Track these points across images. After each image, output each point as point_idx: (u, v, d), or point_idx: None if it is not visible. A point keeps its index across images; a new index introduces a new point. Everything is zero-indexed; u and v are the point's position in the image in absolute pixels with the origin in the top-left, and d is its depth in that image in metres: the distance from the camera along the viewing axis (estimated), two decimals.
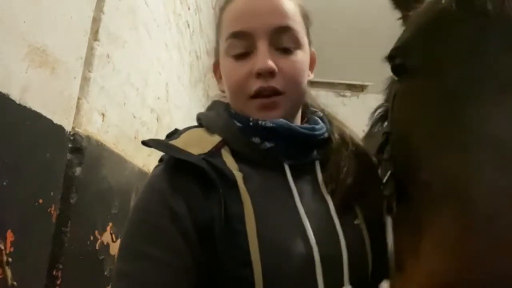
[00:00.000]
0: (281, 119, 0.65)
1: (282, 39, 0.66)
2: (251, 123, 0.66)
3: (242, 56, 0.66)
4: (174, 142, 0.64)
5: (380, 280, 0.62)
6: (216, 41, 0.75)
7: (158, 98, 2.07)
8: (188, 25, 2.68)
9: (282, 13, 0.67)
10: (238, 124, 0.67)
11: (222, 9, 0.72)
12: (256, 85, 0.65)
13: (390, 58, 0.64)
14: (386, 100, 0.94)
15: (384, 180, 0.63)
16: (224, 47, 0.69)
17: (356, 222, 0.65)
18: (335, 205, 0.65)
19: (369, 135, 0.87)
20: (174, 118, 2.41)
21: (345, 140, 0.72)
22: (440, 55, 0.55)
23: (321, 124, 0.72)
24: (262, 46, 0.65)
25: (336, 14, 3.89)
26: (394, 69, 0.64)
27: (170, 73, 2.27)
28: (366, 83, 5.81)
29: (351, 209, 0.66)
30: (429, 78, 0.56)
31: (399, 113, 0.64)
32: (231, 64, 0.67)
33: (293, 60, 0.67)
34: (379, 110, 0.97)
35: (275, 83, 0.65)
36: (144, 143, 0.65)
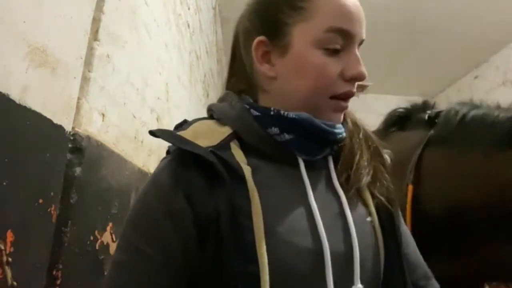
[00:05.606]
0: (304, 112, 0.63)
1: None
2: (272, 112, 0.64)
3: (335, 53, 0.63)
4: (182, 133, 0.63)
5: (391, 280, 0.61)
6: (271, 19, 0.66)
7: (158, 98, 2.06)
8: (188, 25, 2.68)
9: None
10: (256, 113, 0.65)
11: None
12: (345, 88, 0.64)
13: None
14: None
15: None
16: (319, 37, 0.62)
17: (368, 219, 0.65)
18: (348, 199, 0.64)
19: (383, 135, 0.84)
20: (174, 118, 2.41)
21: (357, 125, 0.71)
22: None
23: None
24: (357, 52, 0.64)
25: None
26: None
27: (170, 73, 2.27)
28: (366, 83, 5.81)
29: (364, 206, 0.66)
30: None
31: None
32: (323, 58, 0.62)
33: None
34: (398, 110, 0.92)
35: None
36: (152, 133, 0.63)
